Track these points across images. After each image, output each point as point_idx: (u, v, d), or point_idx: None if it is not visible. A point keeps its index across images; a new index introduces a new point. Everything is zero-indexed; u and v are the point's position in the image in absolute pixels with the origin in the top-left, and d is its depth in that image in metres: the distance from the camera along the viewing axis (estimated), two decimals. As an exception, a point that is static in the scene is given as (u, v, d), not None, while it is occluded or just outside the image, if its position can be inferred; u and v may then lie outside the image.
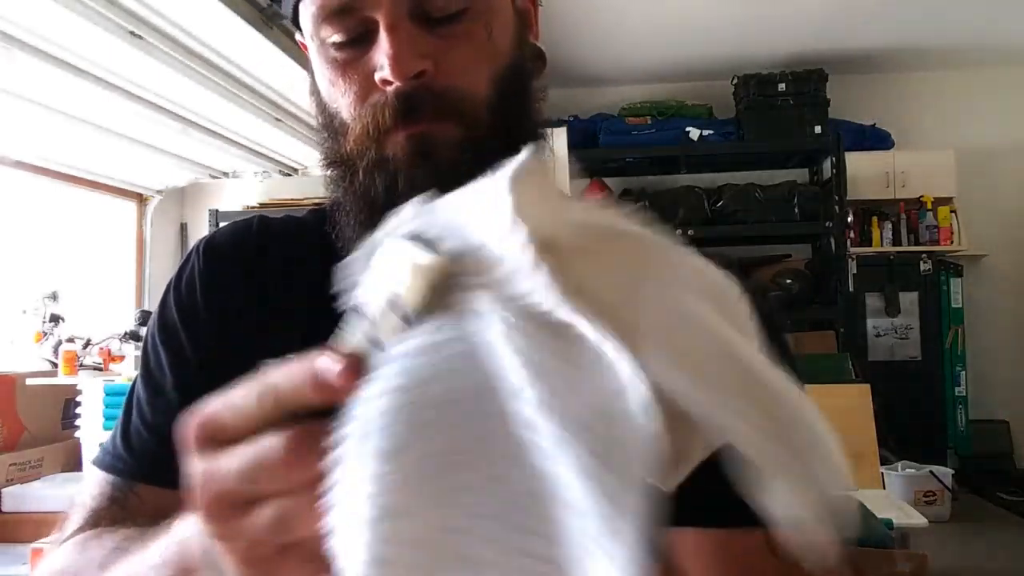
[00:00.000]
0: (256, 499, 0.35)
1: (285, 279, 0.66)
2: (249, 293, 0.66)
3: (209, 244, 0.70)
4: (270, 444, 0.35)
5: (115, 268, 4.29)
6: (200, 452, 0.37)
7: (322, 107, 0.61)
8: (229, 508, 0.36)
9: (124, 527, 0.58)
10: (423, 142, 0.55)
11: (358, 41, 0.56)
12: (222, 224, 3.89)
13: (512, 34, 0.60)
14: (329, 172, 0.61)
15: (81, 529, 0.63)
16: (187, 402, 0.64)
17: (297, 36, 0.65)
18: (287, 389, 0.35)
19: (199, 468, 0.37)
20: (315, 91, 0.62)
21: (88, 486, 0.67)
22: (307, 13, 0.58)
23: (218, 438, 0.37)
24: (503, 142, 0.56)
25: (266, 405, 0.35)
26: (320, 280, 0.65)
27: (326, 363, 0.33)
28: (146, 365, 0.68)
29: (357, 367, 0.33)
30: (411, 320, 0.33)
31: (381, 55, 0.54)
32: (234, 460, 0.35)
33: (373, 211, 0.57)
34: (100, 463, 0.67)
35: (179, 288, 0.68)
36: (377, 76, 0.55)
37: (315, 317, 0.63)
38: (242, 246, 0.69)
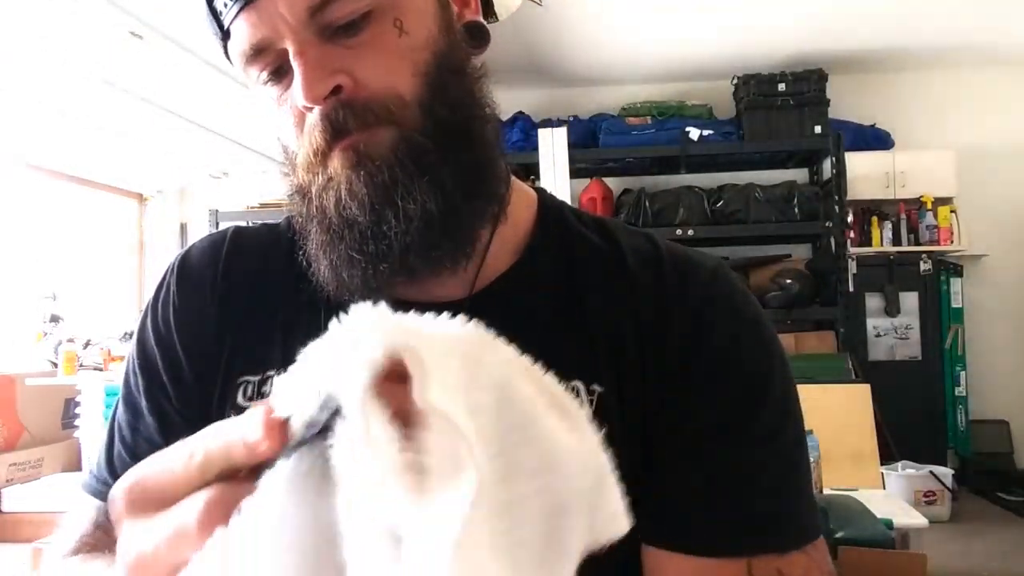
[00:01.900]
0: (173, 570, 0.34)
1: (259, 296, 0.66)
2: (221, 313, 0.65)
3: (182, 264, 0.69)
4: (187, 509, 0.34)
5: (115, 268, 4.29)
6: (129, 517, 0.37)
7: (280, 143, 0.63)
8: None
9: (103, 555, 0.59)
10: (356, 153, 0.55)
11: (283, 74, 0.57)
12: (222, 224, 3.88)
13: (432, 22, 0.58)
14: (292, 203, 0.62)
15: (67, 554, 0.63)
16: (163, 428, 0.64)
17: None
18: (214, 450, 0.35)
19: (126, 534, 0.36)
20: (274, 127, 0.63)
21: (77, 510, 0.67)
22: (234, 60, 0.59)
23: (146, 503, 0.36)
24: (436, 136, 0.56)
25: (192, 468, 0.35)
26: (293, 296, 0.64)
27: (252, 427, 0.33)
28: (127, 387, 0.68)
29: (282, 431, 0.33)
30: (330, 423, 0.32)
31: (296, 84, 0.54)
32: (158, 527, 0.35)
33: (330, 231, 0.57)
34: (86, 487, 0.67)
35: (155, 310, 0.67)
36: (299, 104, 0.55)
37: (289, 330, 0.63)
38: (213, 265, 0.68)
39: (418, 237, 0.55)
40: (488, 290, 0.62)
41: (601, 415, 0.54)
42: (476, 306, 0.60)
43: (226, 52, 0.59)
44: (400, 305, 0.52)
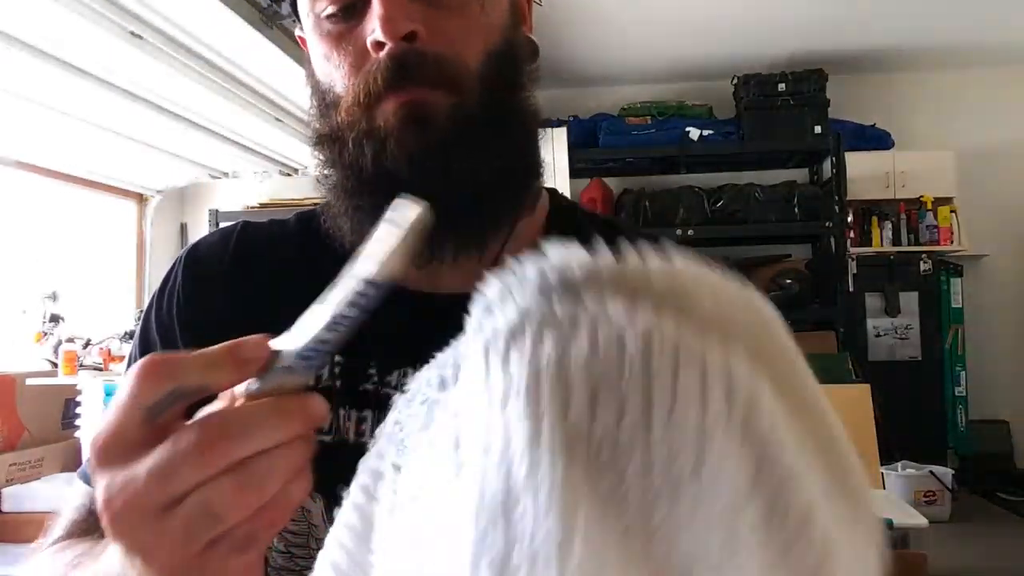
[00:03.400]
0: (170, 502, 0.34)
1: (267, 289, 0.65)
2: (229, 306, 0.65)
3: (190, 256, 0.69)
4: (181, 437, 0.34)
5: (115, 268, 4.29)
6: (103, 469, 0.35)
7: (316, 88, 0.61)
8: (141, 517, 0.34)
9: (93, 539, 0.59)
10: (413, 109, 0.54)
11: (351, 13, 0.56)
12: (222, 224, 3.88)
13: (505, 16, 0.60)
14: (318, 153, 0.60)
15: (58, 540, 0.63)
16: None
17: (296, 31, 0.65)
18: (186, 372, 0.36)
19: (104, 483, 0.35)
20: (311, 76, 0.61)
21: (72, 497, 0.67)
22: None
23: (120, 451, 0.35)
24: (493, 117, 0.56)
25: (139, 403, 0.35)
26: (303, 289, 0.65)
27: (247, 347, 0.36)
28: None
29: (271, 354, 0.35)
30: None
31: (373, 19, 0.53)
32: (142, 466, 0.34)
33: (362, 183, 0.56)
34: (81, 474, 0.67)
35: (160, 302, 0.67)
36: (369, 40, 0.54)
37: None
38: (222, 258, 0.67)
39: (457, 207, 0.54)
40: None
41: None
42: None
43: None
44: (404, 295, 0.51)
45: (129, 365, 0.69)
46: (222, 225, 4.40)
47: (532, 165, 0.61)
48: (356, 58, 0.56)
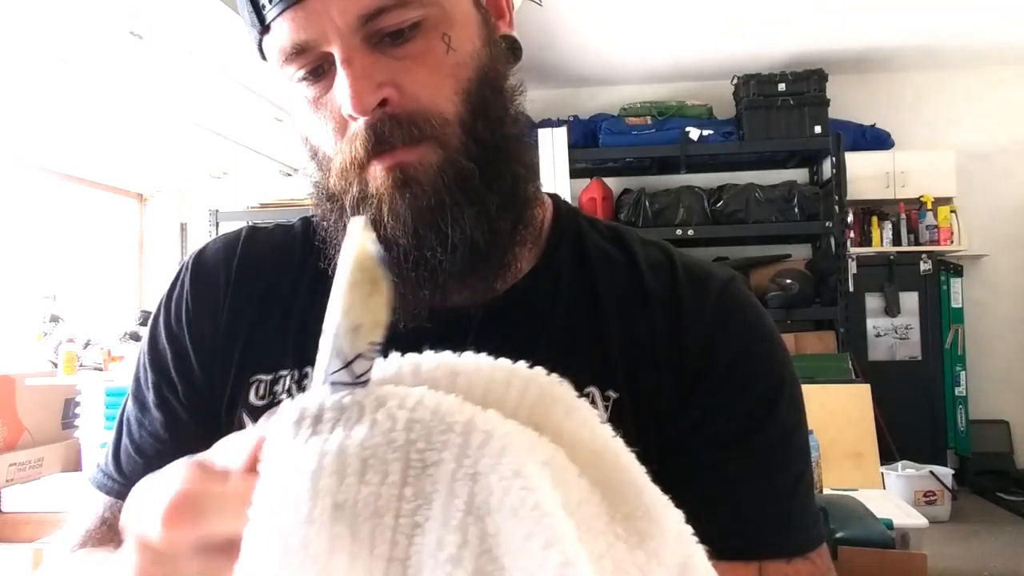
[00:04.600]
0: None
1: (273, 295, 0.66)
2: (235, 313, 0.66)
3: (197, 261, 0.69)
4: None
5: (115, 268, 4.29)
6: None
7: (306, 140, 0.61)
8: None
9: (105, 549, 0.59)
10: (400, 173, 0.54)
11: (322, 75, 0.56)
12: (222, 223, 3.87)
13: (476, 37, 0.58)
14: (318, 207, 0.61)
15: (72, 548, 0.63)
16: (169, 424, 0.64)
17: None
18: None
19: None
20: (300, 130, 0.62)
21: (84, 503, 0.67)
22: (269, 56, 0.58)
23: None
24: (479, 158, 0.56)
25: None
26: (309, 296, 0.64)
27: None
28: (136, 382, 0.68)
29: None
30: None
31: (342, 93, 0.53)
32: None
33: None
34: (93, 481, 0.68)
35: (168, 307, 0.68)
36: (343, 112, 0.55)
37: (302, 330, 0.63)
38: (229, 265, 0.67)
39: (461, 265, 0.55)
40: (505, 296, 0.62)
41: (616, 421, 0.56)
42: (493, 311, 0.60)
43: (260, 45, 0.59)
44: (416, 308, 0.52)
45: (139, 366, 0.68)
46: (222, 225, 4.40)
47: (528, 189, 0.61)
48: (337, 123, 0.56)
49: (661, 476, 0.55)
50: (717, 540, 0.55)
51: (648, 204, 4.74)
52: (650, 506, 0.37)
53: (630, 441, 0.55)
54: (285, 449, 0.33)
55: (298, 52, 0.55)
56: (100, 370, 2.83)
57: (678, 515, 0.38)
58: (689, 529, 0.37)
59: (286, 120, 3.11)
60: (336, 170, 0.57)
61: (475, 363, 0.36)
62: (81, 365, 2.78)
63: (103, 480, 0.66)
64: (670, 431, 0.58)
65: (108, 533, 0.63)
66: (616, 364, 0.59)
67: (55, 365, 2.86)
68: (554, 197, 0.69)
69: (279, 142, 3.47)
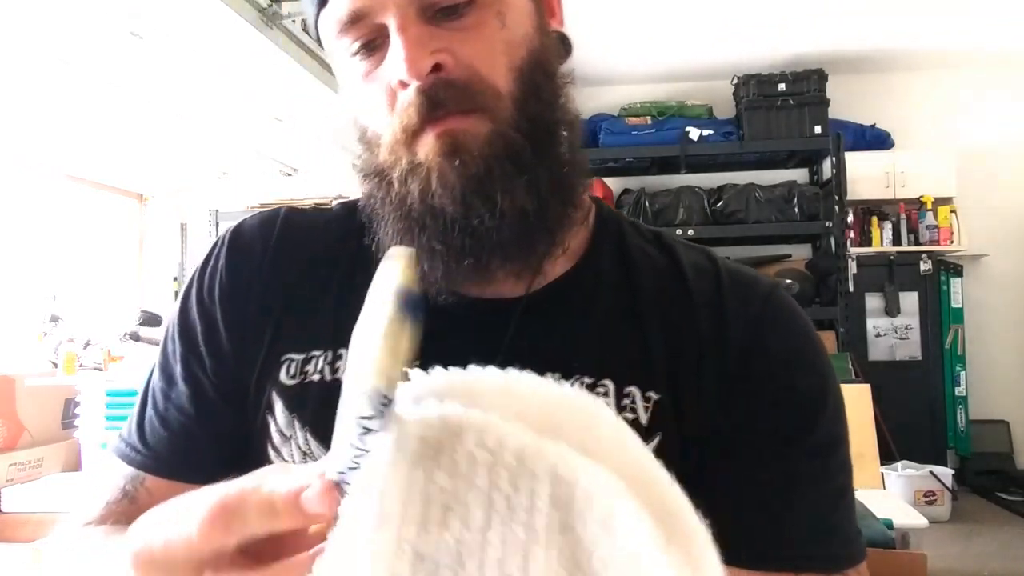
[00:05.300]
0: None
1: (309, 276, 0.66)
2: (269, 292, 0.65)
3: (234, 236, 0.68)
4: None
5: (115, 268, 4.29)
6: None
7: (355, 121, 0.61)
8: None
9: (123, 524, 0.58)
10: (452, 140, 0.54)
11: (375, 48, 0.56)
12: (222, 223, 3.87)
13: (529, 22, 0.58)
14: (365, 184, 0.61)
15: (91, 521, 0.63)
16: (196, 397, 0.64)
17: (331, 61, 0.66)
18: (245, 512, 0.36)
19: None
20: (351, 108, 0.62)
21: (105, 473, 0.66)
22: (325, 29, 0.59)
23: (153, 568, 0.38)
24: (530, 135, 0.56)
25: (212, 533, 0.36)
26: (346, 278, 0.64)
27: (312, 495, 0.35)
28: (164, 354, 0.68)
29: (336, 494, 0.34)
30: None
31: (396, 59, 0.54)
32: None
33: (410, 218, 0.56)
34: (116, 451, 0.67)
35: (202, 280, 0.67)
36: (396, 79, 0.55)
37: (339, 311, 0.62)
38: (266, 243, 0.67)
39: (509, 235, 0.55)
40: (545, 291, 0.61)
41: (656, 421, 0.56)
42: (532, 306, 0.60)
43: (316, 19, 0.59)
44: (456, 300, 0.54)
45: (167, 337, 0.68)
46: (222, 225, 4.40)
47: (577, 173, 0.61)
48: (389, 94, 0.56)
49: (701, 479, 0.52)
50: (758, 544, 0.54)
51: (648, 204, 4.74)
52: (694, 528, 0.37)
53: (671, 442, 0.56)
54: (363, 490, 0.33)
55: (354, 21, 0.55)
56: (100, 370, 2.82)
57: (707, 532, 0.38)
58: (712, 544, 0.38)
59: (286, 120, 3.11)
60: (386, 144, 0.57)
61: (528, 385, 0.37)
62: (81, 365, 2.78)
63: (126, 451, 0.66)
64: (711, 434, 0.57)
65: (129, 507, 0.62)
66: (657, 365, 0.58)
67: (55, 365, 2.86)
68: (595, 200, 0.69)
69: (279, 142, 3.47)
